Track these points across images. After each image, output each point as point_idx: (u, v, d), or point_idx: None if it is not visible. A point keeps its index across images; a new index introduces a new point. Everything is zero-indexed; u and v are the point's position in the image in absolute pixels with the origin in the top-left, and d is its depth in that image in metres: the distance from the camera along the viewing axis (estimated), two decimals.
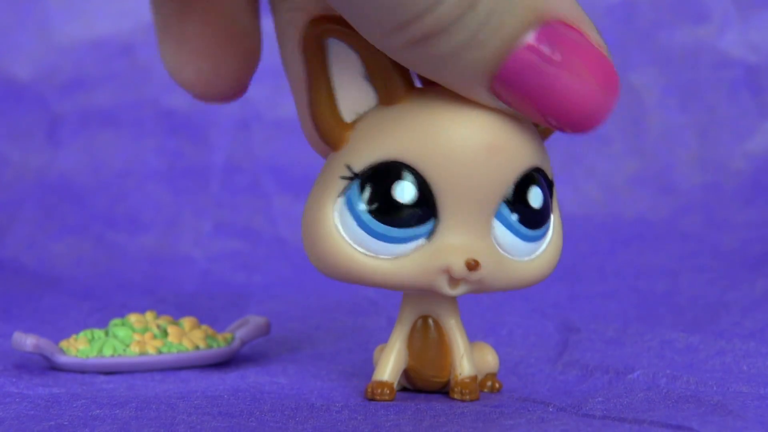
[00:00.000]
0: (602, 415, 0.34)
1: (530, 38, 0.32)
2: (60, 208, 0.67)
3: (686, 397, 0.35)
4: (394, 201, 0.35)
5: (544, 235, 0.36)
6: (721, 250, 0.64)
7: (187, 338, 0.42)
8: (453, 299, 0.37)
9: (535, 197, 0.36)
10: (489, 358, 0.39)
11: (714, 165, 0.70)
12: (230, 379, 0.40)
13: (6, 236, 0.65)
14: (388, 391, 0.37)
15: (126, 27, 0.72)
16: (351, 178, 0.35)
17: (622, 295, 0.55)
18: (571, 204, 0.67)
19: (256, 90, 0.71)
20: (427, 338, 0.37)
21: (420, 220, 0.35)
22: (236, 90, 0.38)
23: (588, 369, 0.40)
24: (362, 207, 0.35)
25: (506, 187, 0.35)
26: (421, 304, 0.37)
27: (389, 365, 0.37)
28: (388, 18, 0.32)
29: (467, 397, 0.37)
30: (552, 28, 0.33)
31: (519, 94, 0.33)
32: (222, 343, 0.43)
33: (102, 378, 0.40)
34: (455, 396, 0.37)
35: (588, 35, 0.33)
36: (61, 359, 0.41)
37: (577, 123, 0.34)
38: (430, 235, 0.35)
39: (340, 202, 0.35)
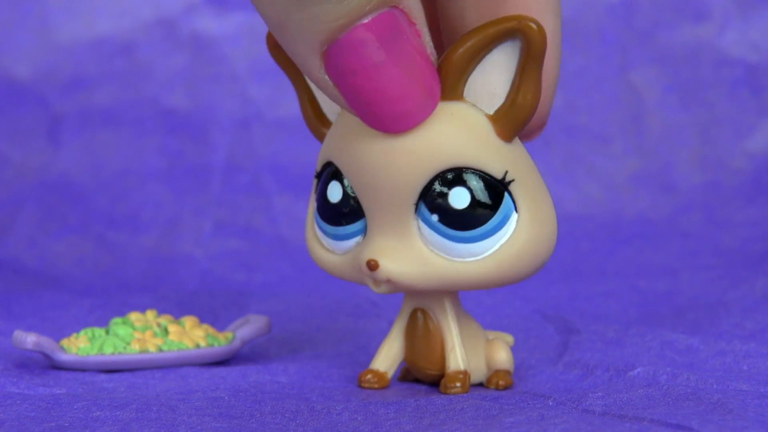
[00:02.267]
0: (602, 411, 0.34)
1: (374, 17, 0.33)
2: (60, 207, 0.67)
3: (686, 395, 0.35)
4: (327, 200, 0.37)
5: (488, 235, 0.36)
6: (721, 249, 0.64)
7: (187, 337, 0.42)
8: (449, 294, 0.38)
9: (457, 198, 0.35)
10: (501, 355, 0.38)
11: (714, 164, 0.70)
12: (231, 378, 0.40)
13: (6, 235, 0.65)
14: (375, 379, 0.38)
15: (126, 27, 0.72)
16: (315, 177, 0.38)
17: (622, 294, 0.55)
18: (571, 203, 0.67)
19: (256, 89, 0.71)
20: (418, 331, 0.38)
21: (348, 220, 0.37)
22: None
23: (588, 368, 0.40)
24: (313, 205, 0.38)
25: (415, 188, 0.35)
26: (416, 297, 0.38)
27: (381, 354, 0.38)
28: None
29: (451, 390, 0.37)
30: (395, 16, 0.33)
31: (346, 70, 0.33)
32: (223, 341, 0.43)
33: (102, 377, 0.40)
34: (444, 389, 0.37)
35: (424, 39, 0.34)
36: (62, 357, 0.41)
37: (394, 119, 0.34)
38: (364, 233, 0.36)
39: (312, 199, 0.38)
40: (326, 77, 0.34)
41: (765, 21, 0.72)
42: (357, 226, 0.36)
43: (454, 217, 0.35)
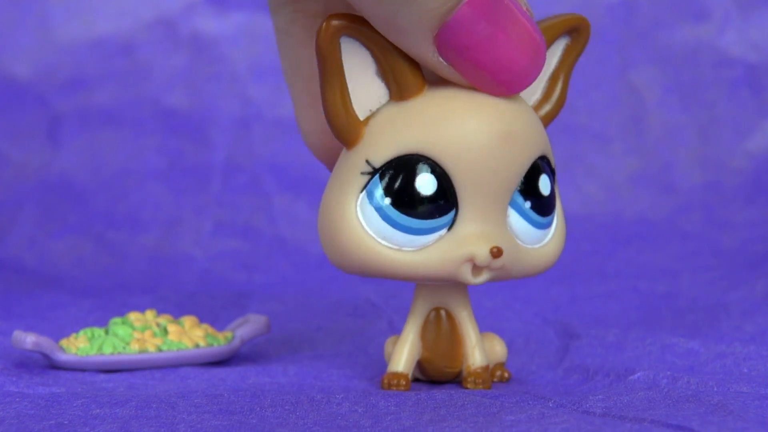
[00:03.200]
0: (602, 412, 0.34)
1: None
2: (60, 207, 0.67)
3: (687, 397, 0.35)
4: (417, 193, 0.35)
5: (551, 222, 0.37)
6: (721, 249, 0.64)
7: (187, 336, 0.42)
8: (464, 291, 0.38)
9: (544, 184, 0.36)
10: (498, 348, 0.39)
11: (714, 164, 0.70)
12: (230, 378, 0.40)
13: (6, 235, 0.65)
14: (404, 382, 0.38)
15: (126, 26, 0.72)
16: (372, 173, 0.36)
17: (622, 296, 0.55)
18: (571, 203, 0.67)
19: (256, 89, 0.71)
20: (440, 330, 0.38)
21: (442, 212, 0.35)
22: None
23: (589, 372, 0.40)
24: (386, 201, 0.35)
25: (520, 175, 0.36)
26: (433, 296, 0.38)
27: (404, 356, 0.38)
28: None
29: (480, 386, 0.37)
30: None
31: (459, 48, 0.35)
32: (222, 341, 0.43)
33: (102, 377, 0.40)
34: (468, 386, 0.37)
35: (521, 2, 0.35)
36: (61, 357, 0.41)
37: (511, 81, 0.35)
38: (451, 225, 0.36)
39: (362, 197, 0.36)
40: (441, 59, 0.35)
41: (765, 21, 0.72)
42: (447, 218, 0.36)
43: (542, 204, 0.36)
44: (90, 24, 0.72)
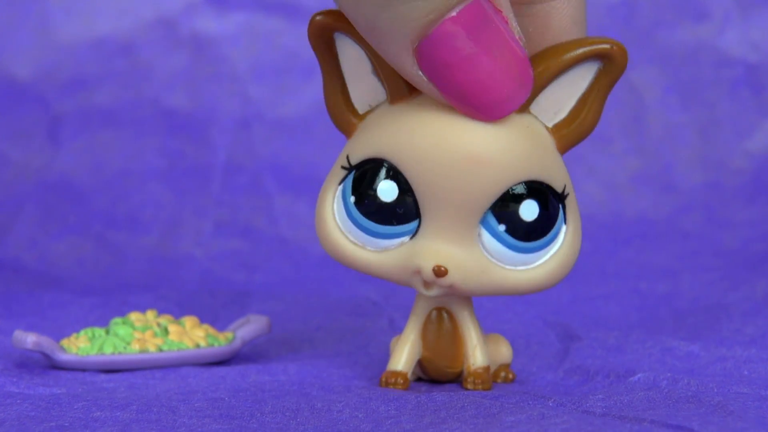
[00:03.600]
0: (603, 412, 0.34)
1: (461, 8, 0.33)
2: (60, 207, 0.67)
3: (687, 398, 0.35)
4: (377, 198, 0.36)
5: (545, 246, 0.36)
6: (722, 249, 0.64)
7: (187, 337, 0.42)
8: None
9: (527, 210, 0.36)
10: (503, 350, 0.39)
11: (715, 164, 0.70)
12: (231, 378, 0.40)
13: (7, 236, 0.65)
14: (401, 381, 0.37)
15: (126, 26, 0.72)
16: (348, 169, 0.36)
17: (622, 296, 0.55)
18: None
19: (256, 89, 0.71)
20: (441, 329, 0.38)
21: (401, 220, 0.36)
22: None
23: (589, 373, 0.40)
24: (351, 199, 0.36)
25: (489, 198, 0.35)
26: (435, 297, 0.37)
27: (403, 355, 0.38)
28: None
29: (479, 386, 0.37)
30: (480, 5, 0.33)
31: (439, 64, 0.34)
32: (223, 341, 0.43)
33: (102, 377, 0.40)
34: (468, 386, 0.37)
35: (511, 24, 0.34)
36: (62, 357, 0.41)
37: (490, 106, 0.34)
38: (414, 234, 0.36)
39: (339, 190, 0.36)
40: (420, 73, 0.34)
41: (765, 21, 0.72)
42: (408, 227, 0.36)
43: (522, 229, 0.36)
44: (90, 24, 0.72)
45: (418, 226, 0.36)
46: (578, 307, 0.53)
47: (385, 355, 0.42)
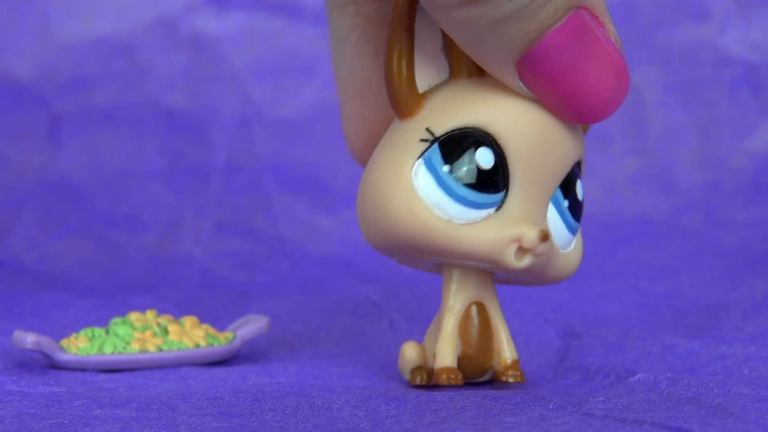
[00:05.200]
0: (603, 414, 0.34)
1: (560, 25, 0.33)
2: (60, 207, 0.67)
3: (687, 399, 0.35)
4: (476, 165, 0.35)
5: (578, 229, 0.37)
6: (722, 249, 0.64)
7: (187, 336, 0.42)
8: (494, 285, 0.38)
9: (580, 189, 0.37)
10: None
11: (715, 163, 0.70)
12: (231, 379, 0.40)
13: (7, 236, 0.65)
14: (456, 377, 0.37)
15: (126, 26, 0.72)
16: (431, 141, 0.35)
17: (622, 296, 0.55)
18: None
19: (257, 89, 0.71)
20: (482, 325, 0.37)
21: (496, 188, 0.35)
22: None
23: (589, 373, 0.40)
24: (444, 168, 0.35)
25: (565, 169, 0.36)
26: (471, 289, 0.37)
27: (449, 350, 0.37)
28: None
29: (519, 378, 0.37)
30: (579, 18, 0.34)
31: (540, 77, 0.34)
32: (223, 341, 0.43)
33: (102, 377, 0.40)
34: (509, 379, 0.37)
35: (608, 29, 0.34)
36: (62, 357, 0.41)
37: (591, 112, 0.35)
38: (499, 205, 0.35)
39: (419, 164, 0.35)
40: (521, 84, 0.34)
41: (765, 21, 0.72)
42: (497, 197, 0.35)
43: (577, 206, 0.37)
44: (90, 24, 0.72)
45: (504, 196, 0.36)
46: (578, 306, 0.53)
47: (385, 356, 0.42)
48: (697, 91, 0.72)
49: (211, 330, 0.43)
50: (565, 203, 0.36)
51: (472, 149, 0.35)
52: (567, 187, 0.36)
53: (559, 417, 0.34)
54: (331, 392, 0.38)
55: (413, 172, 0.35)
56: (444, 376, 0.37)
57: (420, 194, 0.35)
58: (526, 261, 0.36)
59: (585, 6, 0.34)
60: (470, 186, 0.35)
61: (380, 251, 0.37)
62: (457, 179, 0.35)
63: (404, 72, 0.36)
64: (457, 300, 0.37)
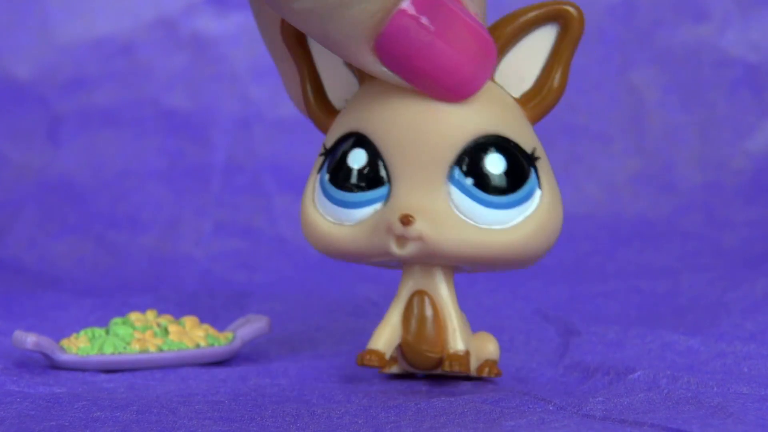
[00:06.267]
0: (602, 416, 0.34)
1: (407, 2, 0.33)
2: (60, 207, 0.67)
3: (687, 399, 0.35)
4: (347, 167, 0.36)
5: (516, 204, 0.36)
6: (722, 249, 0.64)
7: (187, 336, 0.42)
8: (448, 277, 0.38)
9: (493, 163, 0.36)
10: (489, 347, 0.39)
11: (715, 164, 0.70)
12: (231, 379, 0.40)
13: (6, 236, 0.65)
14: (376, 358, 0.37)
15: (126, 26, 0.72)
16: (325, 155, 0.37)
17: (622, 295, 0.55)
18: (572, 203, 0.67)
19: (256, 89, 0.71)
20: (422, 313, 0.38)
21: (371, 185, 0.36)
22: None
23: (589, 371, 0.40)
24: (326, 177, 0.37)
25: (453, 151, 0.36)
26: (416, 279, 0.38)
27: (383, 336, 0.38)
28: None
29: (456, 367, 0.37)
30: None
31: (399, 57, 0.34)
32: (223, 341, 0.43)
33: (102, 377, 0.40)
34: (445, 368, 0.37)
35: (466, 4, 0.34)
36: (62, 357, 0.41)
37: (460, 87, 0.35)
38: (386, 200, 0.36)
39: (317, 178, 0.37)
40: (384, 69, 0.34)
41: (765, 21, 0.72)
42: (379, 192, 0.36)
43: (490, 182, 0.36)
44: (90, 24, 0.72)
45: (389, 190, 0.36)
46: (578, 304, 0.53)
47: None
48: (697, 91, 0.72)
49: (211, 330, 0.43)
50: (468, 180, 0.36)
51: (346, 152, 0.36)
52: (469, 165, 0.36)
53: (559, 419, 0.34)
54: (331, 396, 0.38)
55: (313, 186, 0.37)
56: (366, 356, 0.37)
57: (316, 205, 0.37)
58: (409, 248, 0.36)
59: None
60: (344, 188, 0.36)
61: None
62: (334, 184, 0.37)
63: (311, 95, 0.38)
64: (402, 290, 0.38)
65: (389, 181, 0.36)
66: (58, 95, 0.71)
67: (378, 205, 0.36)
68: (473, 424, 0.33)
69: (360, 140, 0.36)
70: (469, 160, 0.36)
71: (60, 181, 0.68)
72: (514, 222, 0.36)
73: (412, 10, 0.33)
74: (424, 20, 0.33)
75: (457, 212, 0.36)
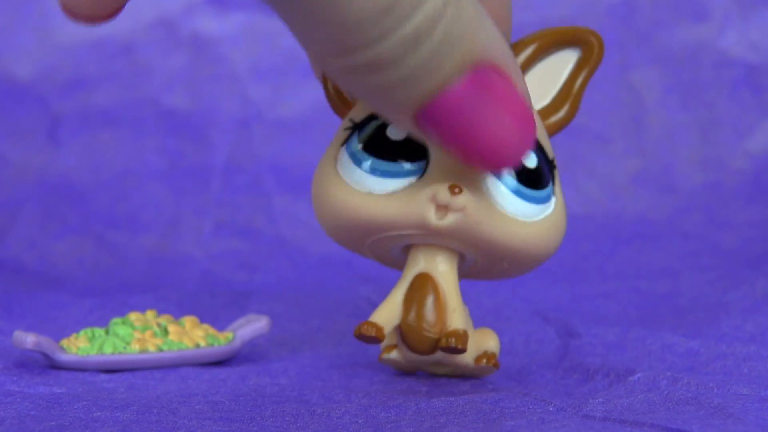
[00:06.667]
0: (602, 416, 0.34)
1: (461, 82, 0.32)
2: (60, 207, 0.67)
3: (687, 399, 0.35)
4: (386, 138, 0.37)
5: (543, 200, 0.37)
6: (722, 250, 0.64)
7: (187, 336, 0.42)
8: (451, 260, 0.38)
9: (528, 157, 0.37)
10: (490, 342, 0.39)
11: (715, 164, 0.70)
12: (231, 380, 0.40)
13: (7, 236, 0.65)
14: (374, 329, 0.37)
15: (126, 27, 0.72)
16: (352, 129, 0.37)
17: (622, 296, 0.55)
18: (572, 203, 0.67)
19: (256, 89, 0.71)
20: (422, 293, 0.38)
21: (411, 157, 0.36)
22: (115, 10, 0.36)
23: (589, 372, 0.40)
24: (359, 146, 0.37)
25: None
26: (420, 262, 0.38)
27: (383, 311, 0.38)
28: (334, 41, 0.31)
29: (453, 343, 0.37)
30: (482, 74, 0.32)
31: (440, 133, 0.33)
32: (222, 341, 0.43)
33: (102, 377, 0.40)
34: (441, 344, 0.37)
35: (515, 83, 0.33)
36: (62, 357, 0.41)
37: (488, 165, 0.34)
38: (421, 174, 0.36)
39: (341, 150, 0.37)
40: (418, 131, 0.34)
41: (765, 21, 0.72)
42: (417, 165, 0.36)
43: (524, 173, 0.37)
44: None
45: (426, 166, 0.36)
46: (578, 305, 0.53)
47: None
48: (697, 91, 0.72)
49: (211, 330, 0.43)
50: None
51: (384, 126, 0.37)
52: None
53: (559, 420, 0.34)
54: (331, 396, 0.38)
55: (337, 159, 0.37)
56: (363, 326, 0.37)
57: (342, 175, 0.37)
58: (448, 219, 0.36)
59: (488, 62, 0.32)
60: (382, 157, 0.36)
61: (338, 243, 0.39)
62: (369, 152, 0.37)
63: (330, 85, 0.39)
64: (408, 272, 0.38)
65: (427, 157, 0.36)
66: (58, 95, 0.71)
67: (413, 179, 0.36)
68: (473, 424, 0.34)
69: None
70: None
71: (60, 181, 0.68)
72: (537, 218, 0.37)
73: (462, 92, 0.32)
74: (471, 102, 0.33)
75: (491, 196, 0.36)
